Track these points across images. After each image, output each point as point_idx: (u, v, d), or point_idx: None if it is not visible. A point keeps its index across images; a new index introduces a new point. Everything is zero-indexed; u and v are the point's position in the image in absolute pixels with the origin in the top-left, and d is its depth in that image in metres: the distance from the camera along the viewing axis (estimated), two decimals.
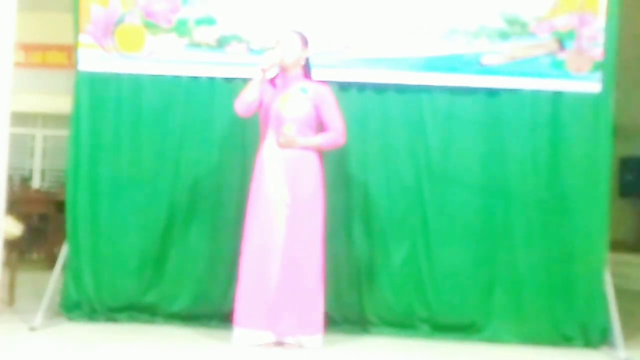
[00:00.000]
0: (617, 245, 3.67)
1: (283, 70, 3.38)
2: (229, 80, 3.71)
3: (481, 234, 3.64)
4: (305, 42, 3.40)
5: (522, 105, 3.64)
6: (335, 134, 3.39)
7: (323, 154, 3.41)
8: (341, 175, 3.66)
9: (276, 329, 3.19)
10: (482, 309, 3.61)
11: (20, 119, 7.94)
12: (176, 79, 3.72)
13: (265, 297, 3.18)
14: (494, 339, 3.55)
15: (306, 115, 3.34)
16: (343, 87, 3.64)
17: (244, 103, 3.32)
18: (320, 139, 3.37)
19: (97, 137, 3.71)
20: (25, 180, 8.14)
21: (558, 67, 3.60)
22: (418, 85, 3.67)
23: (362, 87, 3.71)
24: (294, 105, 3.33)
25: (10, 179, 5.03)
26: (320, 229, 3.30)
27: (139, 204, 3.70)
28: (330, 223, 3.41)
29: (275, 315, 3.17)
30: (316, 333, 3.23)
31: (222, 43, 3.68)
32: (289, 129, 3.29)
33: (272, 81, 3.41)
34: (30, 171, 8.80)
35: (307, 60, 3.44)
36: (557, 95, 3.62)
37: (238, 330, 3.22)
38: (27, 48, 8.11)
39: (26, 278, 4.53)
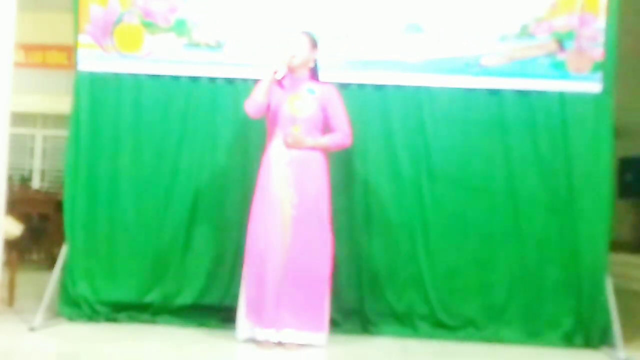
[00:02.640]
0: (617, 246, 3.67)
1: (291, 71, 3.38)
2: (228, 80, 3.71)
3: (481, 234, 3.64)
4: (314, 44, 3.41)
5: (522, 106, 3.64)
6: (342, 135, 3.40)
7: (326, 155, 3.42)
8: (342, 175, 3.65)
9: (281, 328, 3.19)
10: (483, 309, 3.61)
11: (20, 119, 7.94)
12: (175, 79, 3.72)
13: (270, 296, 3.18)
14: (494, 338, 3.55)
15: (314, 116, 3.35)
16: (344, 87, 3.62)
17: (254, 105, 3.32)
18: (327, 140, 3.38)
19: (97, 137, 3.71)
20: (25, 180, 8.14)
21: (558, 68, 3.60)
22: (418, 87, 3.67)
23: (362, 86, 3.71)
24: (302, 106, 3.33)
25: (10, 179, 5.03)
26: (327, 229, 3.31)
27: (139, 204, 3.70)
28: (331, 223, 3.41)
29: (280, 315, 3.18)
30: (321, 331, 3.24)
31: (221, 43, 3.68)
32: (296, 130, 3.30)
33: (279, 82, 3.39)
34: (30, 171, 8.79)
35: (315, 61, 3.44)
36: (558, 96, 3.62)
37: (243, 330, 3.24)
38: (27, 48, 8.11)
39: (26, 278, 4.53)
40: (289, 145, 3.30)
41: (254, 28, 3.69)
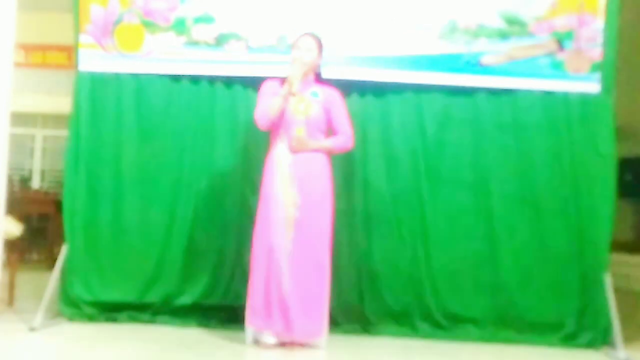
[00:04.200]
0: (617, 245, 3.67)
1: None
2: (228, 78, 3.72)
3: (481, 234, 3.64)
4: (321, 47, 3.40)
5: (522, 106, 3.65)
6: (345, 138, 3.40)
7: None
8: (341, 176, 3.65)
9: (282, 330, 3.18)
10: (482, 309, 3.61)
11: (20, 119, 7.94)
12: (176, 78, 3.72)
13: (273, 299, 3.18)
14: (494, 338, 3.55)
15: (317, 119, 3.35)
16: (344, 89, 3.61)
17: (267, 119, 3.28)
18: (331, 142, 3.39)
19: (97, 137, 3.71)
20: (25, 180, 8.15)
21: (557, 68, 3.61)
22: (417, 86, 3.67)
23: (362, 89, 3.70)
24: (306, 109, 3.33)
25: (10, 179, 5.03)
26: (328, 232, 3.30)
27: (139, 204, 3.70)
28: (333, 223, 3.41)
29: (282, 316, 3.17)
30: (320, 334, 3.24)
31: (220, 41, 3.68)
32: (300, 132, 3.30)
33: (283, 83, 3.37)
34: (30, 171, 8.80)
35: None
36: (558, 96, 3.62)
37: (247, 330, 3.24)
38: (27, 48, 8.11)
39: (26, 278, 4.53)
40: (293, 149, 3.29)
41: (254, 26, 3.68)
